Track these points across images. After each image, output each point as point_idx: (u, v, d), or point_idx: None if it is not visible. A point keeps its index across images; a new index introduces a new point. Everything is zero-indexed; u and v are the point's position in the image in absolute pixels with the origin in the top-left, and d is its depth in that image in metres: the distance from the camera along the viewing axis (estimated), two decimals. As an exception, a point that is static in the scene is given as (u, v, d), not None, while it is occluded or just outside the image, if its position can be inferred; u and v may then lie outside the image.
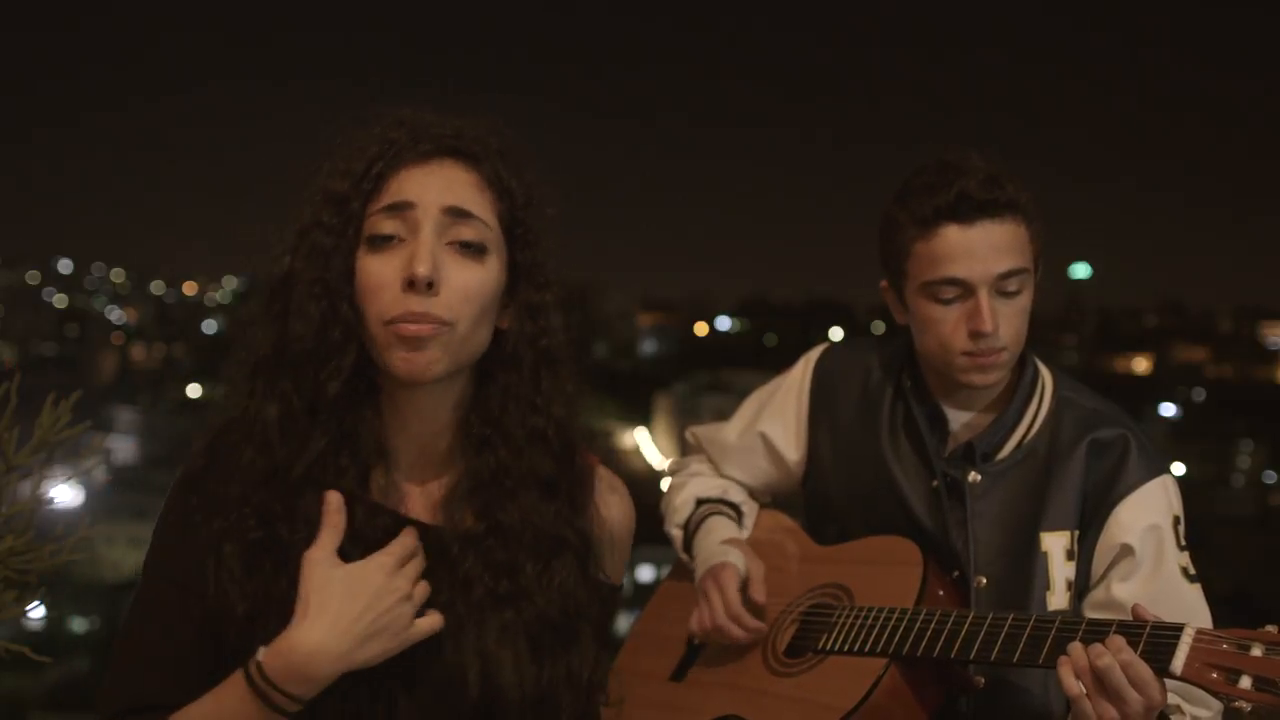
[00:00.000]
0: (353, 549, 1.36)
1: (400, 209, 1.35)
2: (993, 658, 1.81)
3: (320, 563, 1.33)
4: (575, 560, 1.44)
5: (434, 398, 1.41)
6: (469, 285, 1.35)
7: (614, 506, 1.55)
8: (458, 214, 1.36)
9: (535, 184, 1.45)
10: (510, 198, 1.41)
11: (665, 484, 2.44)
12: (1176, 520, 1.98)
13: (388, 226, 1.35)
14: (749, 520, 2.32)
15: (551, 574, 1.41)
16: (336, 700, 1.33)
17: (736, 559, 2.15)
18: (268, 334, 1.39)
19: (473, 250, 1.37)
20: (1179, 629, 1.64)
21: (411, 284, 1.32)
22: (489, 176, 1.41)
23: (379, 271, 1.35)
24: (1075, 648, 1.69)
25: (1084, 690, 1.66)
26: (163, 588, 1.39)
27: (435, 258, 1.33)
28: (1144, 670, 1.63)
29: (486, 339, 1.40)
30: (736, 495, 2.33)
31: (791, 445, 2.29)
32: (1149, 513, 1.96)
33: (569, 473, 1.46)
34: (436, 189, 1.37)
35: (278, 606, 1.33)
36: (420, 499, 1.44)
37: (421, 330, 1.33)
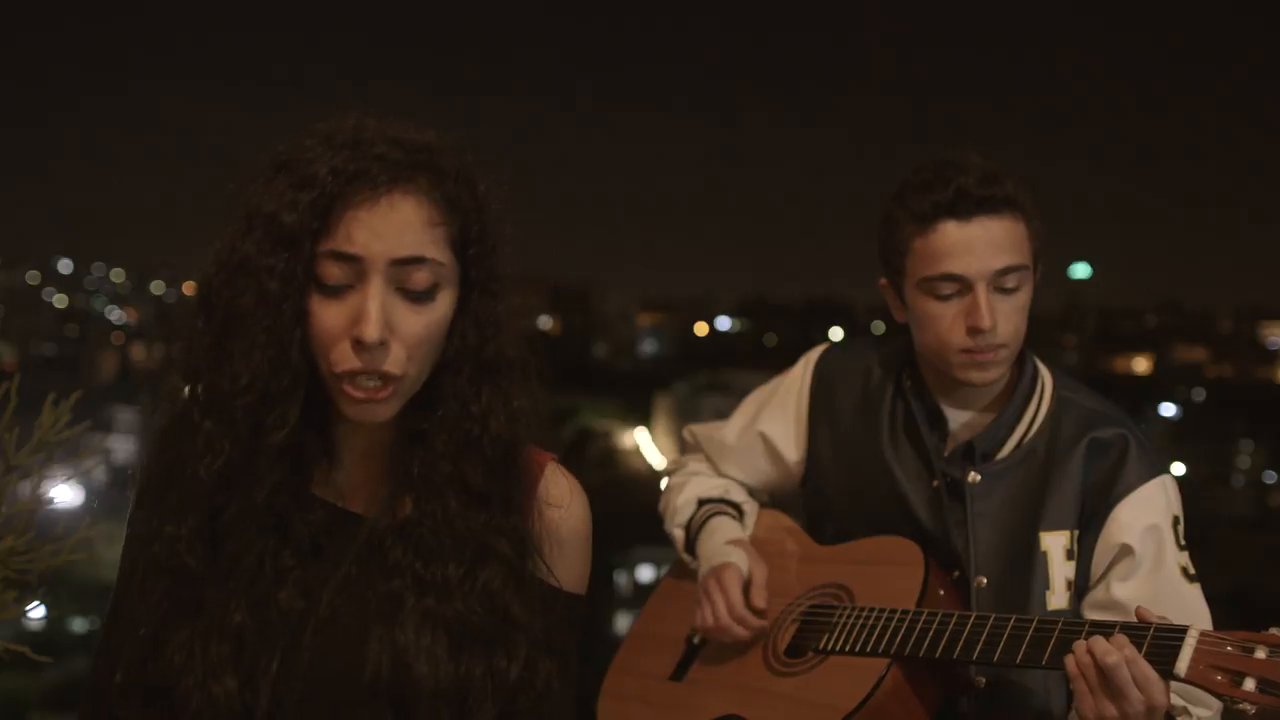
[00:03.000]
0: (284, 548, 1.36)
1: (347, 260, 1.31)
2: (995, 659, 1.81)
3: None
4: (506, 569, 1.40)
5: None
6: (419, 333, 1.33)
7: (560, 504, 1.48)
8: (408, 262, 1.32)
9: (489, 197, 1.40)
10: (463, 219, 1.37)
11: (663, 484, 2.44)
12: (1176, 520, 1.98)
13: (335, 274, 1.32)
14: (750, 520, 2.31)
15: (475, 579, 1.38)
16: (229, 690, 1.32)
17: (739, 559, 2.15)
18: (203, 355, 1.35)
19: (422, 297, 1.34)
20: (1183, 630, 1.64)
21: (360, 343, 1.30)
22: (440, 204, 1.35)
23: (329, 323, 1.32)
24: (1080, 645, 1.69)
25: (1087, 687, 1.66)
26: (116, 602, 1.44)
27: (385, 313, 1.31)
28: (1148, 669, 1.63)
29: (436, 359, 1.38)
30: (738, 495, 2.33)
31: (791, 445, 2.29)
32: (1149, 512, 1.96)
33: (503, 483, 1.41)
34: (387, 239, 1.31)
35: (172, 620, 1.34)
36: (363, 491, 1.43)
37: (373, 395, 1.32)
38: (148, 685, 1.35)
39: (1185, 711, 1.83)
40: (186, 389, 1.38)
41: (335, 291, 1.32)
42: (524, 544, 1.43)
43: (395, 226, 1.32)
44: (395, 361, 1.32)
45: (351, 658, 1.35)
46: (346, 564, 1.39)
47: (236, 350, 1.32)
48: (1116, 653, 1.64)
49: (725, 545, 2.19)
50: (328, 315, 1.32)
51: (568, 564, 1.48)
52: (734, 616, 2.09)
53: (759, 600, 2.12)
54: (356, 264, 1.31)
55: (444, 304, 1.36)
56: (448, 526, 1.38)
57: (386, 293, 1.32)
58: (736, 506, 2.30)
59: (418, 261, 1.33)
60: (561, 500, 1.48)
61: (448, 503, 1.39)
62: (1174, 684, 1.66)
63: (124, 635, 1.39)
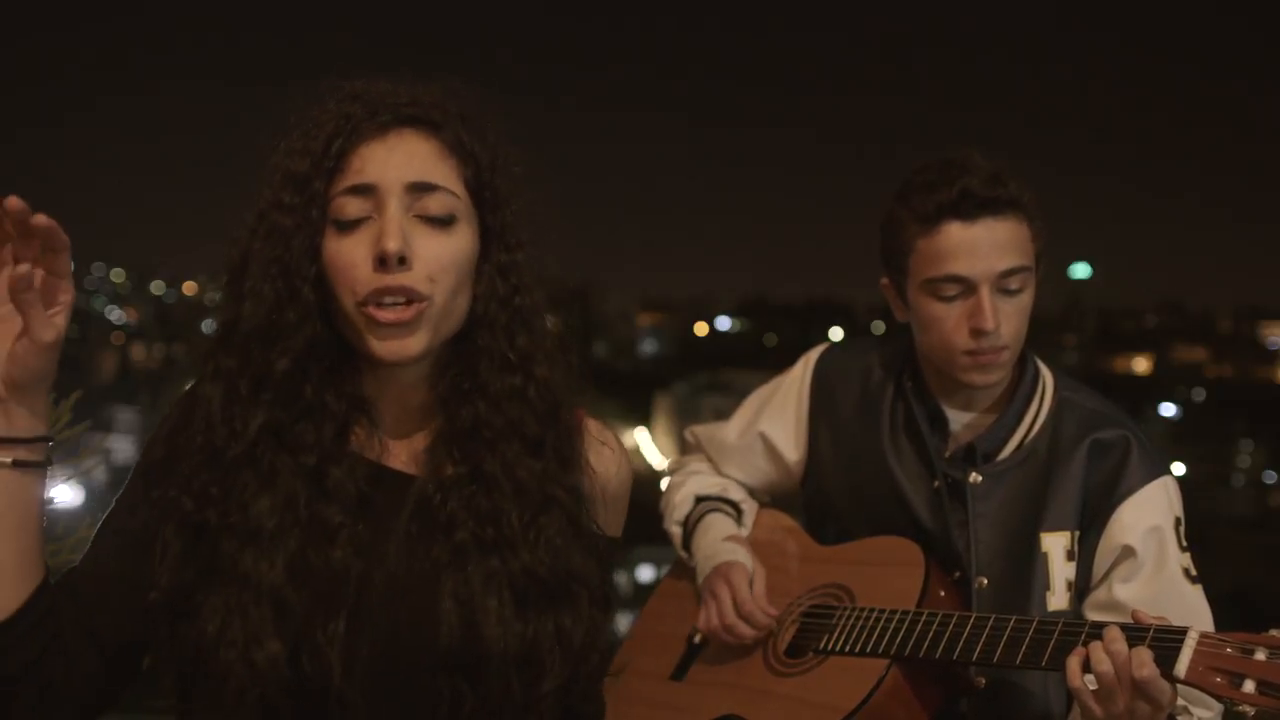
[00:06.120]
0: (329, 506, 1.33)
1: (363, 191, 1.33)
2: (995, 660, 1.81)
3: None
4: (566, 519, 1.41)
5: (412, 366, 1.39)
6: (441, 256, 1.33)
7: (606, 459, 1.50)
8: (422, 188, 1.34)
9: (499, 144, 1.42)
10: (475, 162, 1.39)
11: (664, 483, 2.44)
12: (1178, 521, 1.98)
13: (352, 209, 1.33)
14: (748, 519, 2.31)
15: (539, 529, 1.38)
16: (273, 656, 1.28)
17: (744, 558, 2.15)
18: (222, 316, 1.37)
19: (440, 222, 1.34)
20: (1182, 632, 1.64)
21: (383, 261, 1.30)
22: (450, 143, 1.38)
23: (349, 252, 1.32)
24: (1082, 648, 1.68)
25: (1091, 688, 1.66)
26: (120, 519, 1.39)
27: (404, 232, 1.31)
28: (1154, 671, 1.62)
29: (465, 308, 1.38)
30: (736, 493, 2.33)
31: (791, 445, 2.29)
32: (1151, 514, 1.95)
33: (554, 430, 1.42)
34: (397, 165, 1.34)
35: (201, 590, 1.30)
36: (402, 450, 1.42)
37: (401, 316, 1.31)
38: (184, 659, 1.31)
39: (1186, 711, 1.83)
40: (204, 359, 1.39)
41: (353, 226, 1.33)
42: (578, 495, 1.44)
43: (405, 155, 1.35)
44: (418, 279, 1.31)
45: (424, 623, 1.33)
46: (403, 523, 1.36)
47: (247, 286, 1.34)
48: (1147, 665, 1.62)
49: (724, 543, 2.19)
50: (345, 248, 1.33)
51: (613, 514, 1.52)
52: (743, 613, 2.08)
53: (761, 598, 2.11)
54: (372, 194, 1.33)
55: (465, 238, 1.37)
56: (509, 476, 1.38)
57: (405, 218, 1.33)
58: (734, 505, 2.30)
59: (431, 188, 1.34)
60: (608, 455, 1.51)
61: (506, 452, 1.38)
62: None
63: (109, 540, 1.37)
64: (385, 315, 1.31)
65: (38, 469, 1.30)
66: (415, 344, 1.33)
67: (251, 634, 1.27)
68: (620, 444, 1.54)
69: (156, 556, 1.33)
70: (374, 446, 1.39)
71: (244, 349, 1.34)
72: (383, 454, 1.40)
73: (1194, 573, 1.97)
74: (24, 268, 1.22)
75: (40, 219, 1.21)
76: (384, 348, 1.32)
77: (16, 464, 1.27)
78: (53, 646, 1.30)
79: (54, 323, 1.25)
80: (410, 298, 1.31)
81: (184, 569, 1.31)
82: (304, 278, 1.33)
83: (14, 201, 1.21)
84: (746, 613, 2.08)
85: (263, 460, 1.33)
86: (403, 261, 1.30)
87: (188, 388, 1.43)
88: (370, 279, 1.31)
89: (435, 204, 1.34)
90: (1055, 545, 1.99)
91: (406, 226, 1.32)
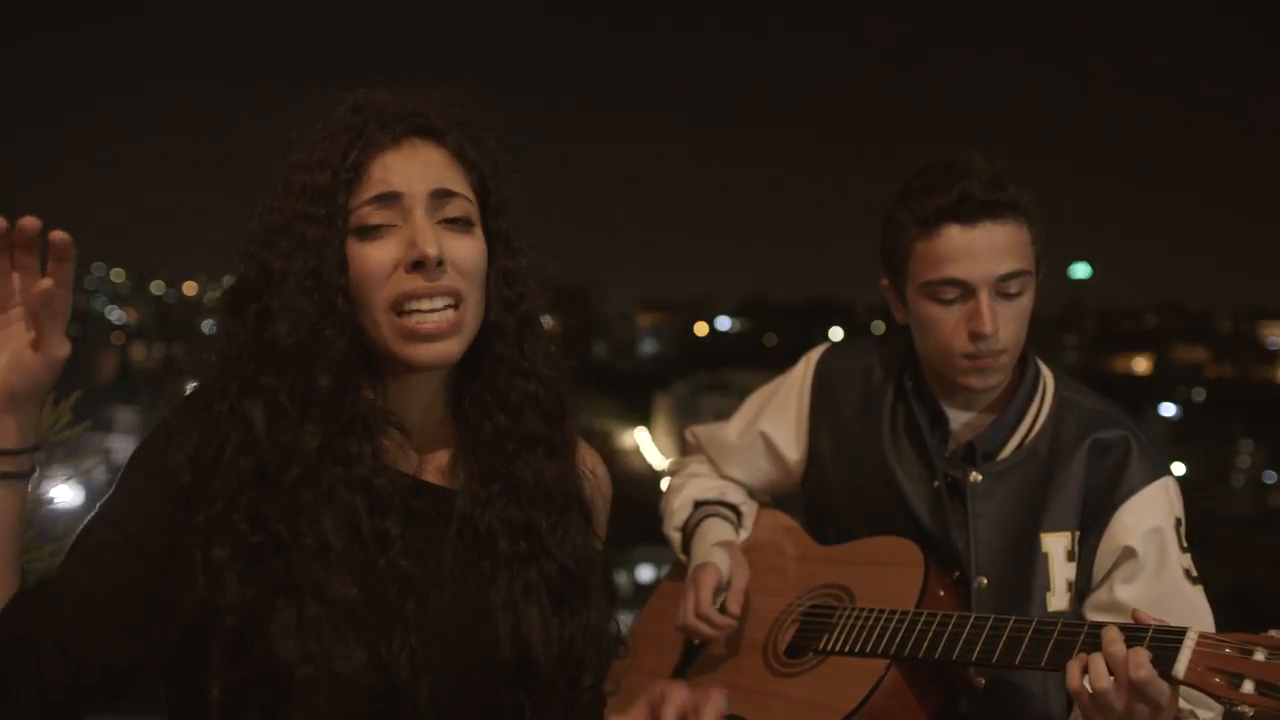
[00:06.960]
0: (386, 518, 1.34)
1: (388, 200, 1.37)
2: (994, 660, 1.81)
3: None
4: (581, 516, 1.48)
5: (437, 375, 1.44)
6: (469, 258, 1.39)
7: (598, 469, 1.59)
8: (443, 194, 1.39)
9: (498, 152, 1.47)
10: (478, 169, 1.44)
11: (664, 485, 2.44)
12: (1178, 522, 1.98)
13: (378, 217, 1.36)
14: (748, 520, 2.31)
15: (565, 528, 1.44)
16: (357, 668, 1.28)
17: (719, 559, 2.16)
18: (243, 334, 1.36)
19: (461, 225, 1.39)
20: (1181, 633, 1.64)
21: (419, 264, 1.34)
22: (455, 151, 1.43)
23: (375, 258, 1.35)
24: (1084, 653, 1.68)
25: (1089, 690, 1.66)
26: (113, 535, 1.34)
27: (437, 237, 1.36)
28: (1150, 672, 1.62)
29: (482, 312, 1.43)
30: (735, 496, 2.33)
31: (792, 445, 2.29)
32: (1151, 515, 1.95)
33: (563, 433, 1.49)
34: (419, 174, 1.38)
35: (264, 610, 1.29)
36: (432, 464, 1.46)
37: (441, 327, 1.35)
38: (250, 679, 1.29)
39: (1192, 715, 1.83)
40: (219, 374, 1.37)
41: (376, 233, 1.36)
42: (584, 496, 1.51)
43: (423, 164, 1.39)
44: (455, 278, 1.36)
45: (483, 635, 1.38)
46: (451, 537, 1.40)
47: (279, 303, 1.34)
48: (1144, 666, 1.62)
49: (711, 547, 2.20)
50: (371, 254, 1.36)
51: (604, 521, 1.59)
52: (698, 614, 2.10)
53: (734, 605, 2.12)
54: (397, 202, 1.37)
55: (481, 241, 1.42)
56: (537, 484, 1.43)
57: (431, 223, 1.37)
58: (733, 507, 2.30)
59: (452, 194, 1.39)
60: (598, 464, 1.59)
61: (531, 460, 1.43)
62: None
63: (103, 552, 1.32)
64: (428, 326, 1.35)
65: (23, 480, 1.29)
66: (455, 346, 1.38)
67: (331, 648, 1.28)
68: (598, 455, 1.61)
69: (198, 581, 1.29)
70: (409, 461, 1.43)
71: (282, 365, 1.34)
72: (419, 468, 1.43)
73: (1195, 573, 1.97)
74: (47, 284, 1.20)
75: (60, 236, 1.21)
76: (424, 352, 1.36)
77: (4, 476, 1.26)
78: (23, 658, 1.27)
79: (66, 338, 1.24)
80: (456, 300, 1.36)
81: (245, 589, 1.30)
82: (337, 289, 1.35)
83: (30, 221, 1.20)
84: (703, 614, 2.10)
85: (322, 478, 1.33)
86: (440, 265, 1.34)
87: (196, 403, 1.39)
88: (402, 281, 1.35)
89: (455, 209, 1.39)
90: (1056, 545, 1.99)
91: (436, 232, 1.36)
